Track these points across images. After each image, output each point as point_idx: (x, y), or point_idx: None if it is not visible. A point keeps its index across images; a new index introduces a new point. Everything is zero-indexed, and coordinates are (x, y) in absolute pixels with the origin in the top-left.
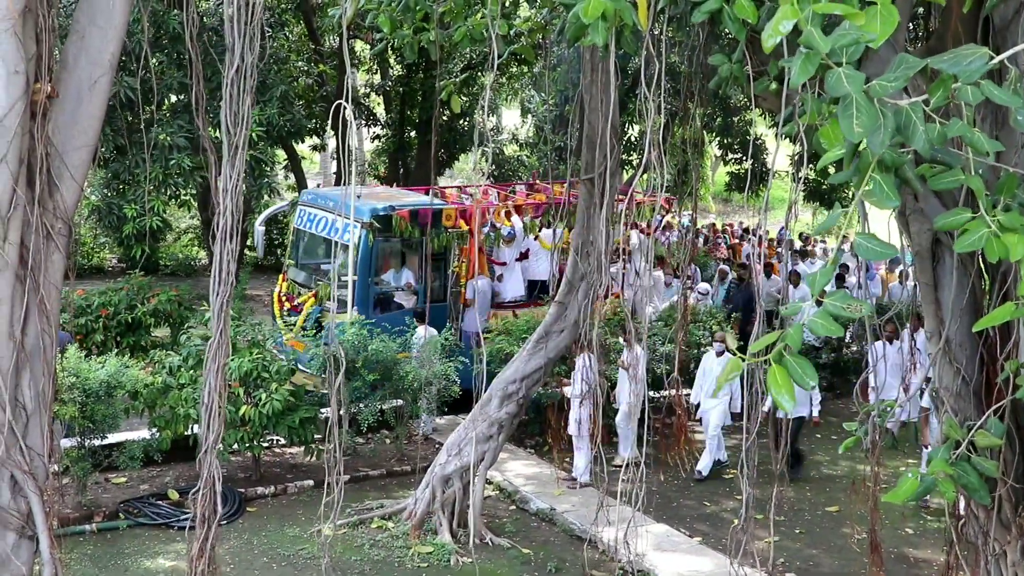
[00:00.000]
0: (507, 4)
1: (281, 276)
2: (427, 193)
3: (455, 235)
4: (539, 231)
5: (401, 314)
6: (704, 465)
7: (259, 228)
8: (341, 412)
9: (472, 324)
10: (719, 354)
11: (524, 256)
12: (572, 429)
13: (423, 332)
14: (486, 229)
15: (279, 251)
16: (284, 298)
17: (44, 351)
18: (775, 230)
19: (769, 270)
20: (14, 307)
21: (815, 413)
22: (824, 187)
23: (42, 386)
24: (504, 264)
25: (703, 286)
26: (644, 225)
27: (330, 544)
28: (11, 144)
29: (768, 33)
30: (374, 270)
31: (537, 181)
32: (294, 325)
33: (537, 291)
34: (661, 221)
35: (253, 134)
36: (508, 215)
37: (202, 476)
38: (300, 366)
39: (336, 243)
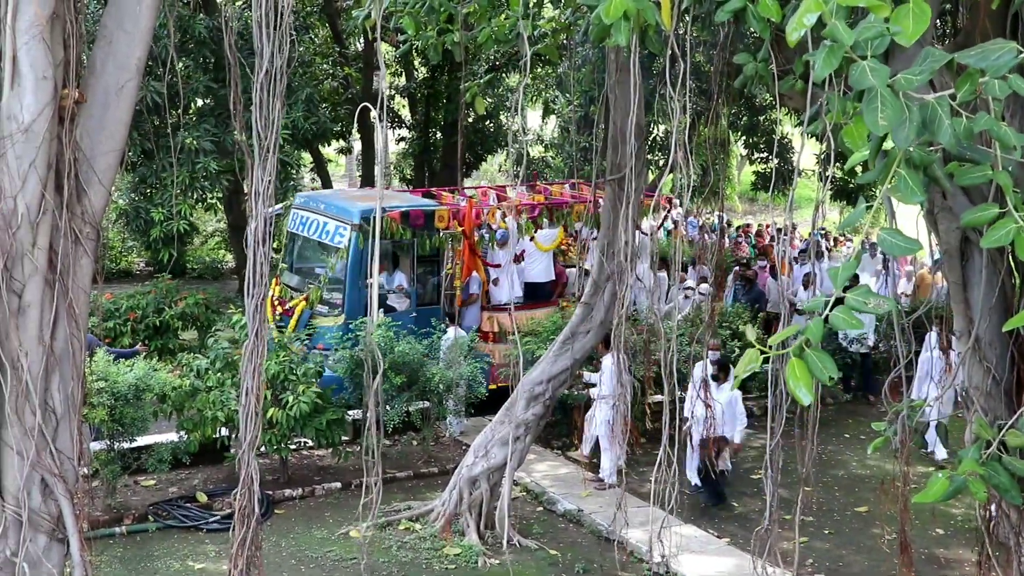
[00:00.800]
0: (531, 5)
1: (274, 280)
2: (435, 194)
3: (448, 236)
4: (534, 233)
5: (394, 317)
6: (695, 477)
7: None
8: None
9: (470, 324)
10: (720, 383)
11: (519, 258)
12: (601, 430)
13: (452, 334)
14: (482, 231)
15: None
16: (276, 302)
17: (73, 355)
18: (805, 229)
19: (775, 271)
20: (43, 311)
21: (737, 439)
22: (851, 186)
23: (71, 390)
24: (498, 266)
25: (704, 287)
26: (643, 225)
27: (357, 546)
28: (40, 149)
29: (792, 26)
30: (365, 273)
31: (537, 182)
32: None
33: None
34: (670, 220)
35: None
36: (503, 216)
37: (241, 476)
38: None
39: (327, 246)
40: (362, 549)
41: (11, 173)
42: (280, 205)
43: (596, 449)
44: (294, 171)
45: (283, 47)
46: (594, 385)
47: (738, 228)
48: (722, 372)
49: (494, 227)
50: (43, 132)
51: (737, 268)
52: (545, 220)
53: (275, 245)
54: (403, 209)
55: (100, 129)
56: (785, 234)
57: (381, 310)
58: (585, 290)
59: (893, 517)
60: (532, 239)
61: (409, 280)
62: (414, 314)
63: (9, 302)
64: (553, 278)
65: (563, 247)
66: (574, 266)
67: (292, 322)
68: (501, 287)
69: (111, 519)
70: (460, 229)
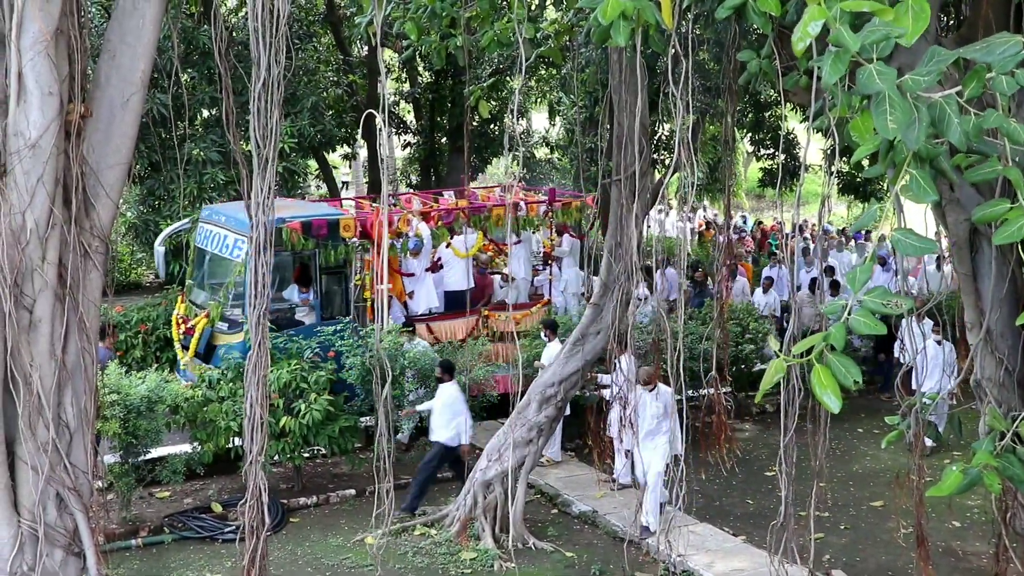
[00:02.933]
0: (533, 7)
1: (180, 297)
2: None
3: (355, 246)
4: (450, 239)
5: (300, 331)
6: (652, 520)
7: (159, 248)
8: (382, 421)
9: None
10: (649, 389)
11: (437, 267)
12: (614, 431)
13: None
14: (402, 239)
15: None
16: (181, 320)
17: (85, 369)
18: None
19: (735, 270)
20: (54, 326)
21: (464, 440)
22: (858, 180)
23: (84, 403)
24: (412, 275)
25: (640, 289)
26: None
27: (374, 552)
28: (47, 165)
29: (798, 36)
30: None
31: (468, 186)
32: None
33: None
34: (702, 221)
35: (285, 145)
36: (415, 223)
37: (248, 487)
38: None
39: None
40: (376, 558)
41: (19, 189)
42: (187, 219)
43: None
44: (300, 179)
45: (280, 56)
46: (607, 386)
47: (756, 224)
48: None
49: (409, 234)
50: (50, 147)
51: (697, 272)
52: (464, 226)
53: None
54: (304, 219)
55: (107, 143)
56: (797, 231)
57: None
58: (595, 290)
59: (909, 511)
60: (448, 245)
61: (312, 293)
62: (318, 328)
63: (20, 318)
64: (472, 286)
65: (490, 254)
66: (504, 278)
67: (193, 341)
68: (416, 298)
69: (127, 532)
70: (363, 240)
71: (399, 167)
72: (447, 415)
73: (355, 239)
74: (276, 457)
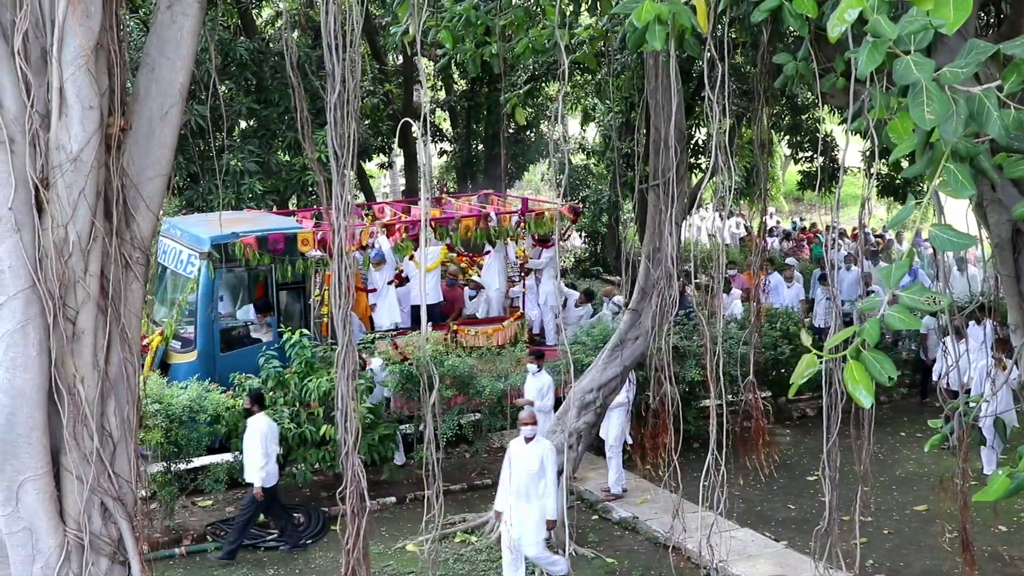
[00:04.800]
0: (568, 14)
1: None
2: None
3: (312, 261)
4: (413, 252)
5: (256, 349)
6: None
7: None
8: (423, 428)
9: None
10: (527, 439)
11: (402, 281)
12: (611, 439)
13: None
14: (359, 253)
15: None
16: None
17: (128, 379)
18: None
19: (728, 284)
20: (97, 337)
21: (257, 485)
22: (898, 182)
23: (127, 413)
24: (374, 291)
25: (619, 298)
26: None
27: (414, 559)
28: (88, 178)
29: (833, 22)
30: (216, 304)
31: (444, 195)
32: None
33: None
34: (743, 227)
35: (321, 156)
36: (373, 234)
37: (346, 476)
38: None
39: (180, 276)
40: (427, 563)
41: (61, 202)
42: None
43: None
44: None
45: (355, 70)
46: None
47: (802, 229)
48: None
49: (375, 246)
50: (91, 161)
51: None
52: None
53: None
54: (259, 233)
55: (146, 155)
56: (839, 234)
57: (226, 345)
58: (632, 296)
59: (953, 515)
60: (411, 258)
61: (265, 309)
62: (276, 346)
63: (64, 329)
64: (441, 299)
65: (463, 264)
66: (473, 286)
67: (148, 359)
68: (379, 313)
69: (170, 540)
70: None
71: (436, 175)
72: (259, 451)
73: (314, 253)
74: (317, 465)
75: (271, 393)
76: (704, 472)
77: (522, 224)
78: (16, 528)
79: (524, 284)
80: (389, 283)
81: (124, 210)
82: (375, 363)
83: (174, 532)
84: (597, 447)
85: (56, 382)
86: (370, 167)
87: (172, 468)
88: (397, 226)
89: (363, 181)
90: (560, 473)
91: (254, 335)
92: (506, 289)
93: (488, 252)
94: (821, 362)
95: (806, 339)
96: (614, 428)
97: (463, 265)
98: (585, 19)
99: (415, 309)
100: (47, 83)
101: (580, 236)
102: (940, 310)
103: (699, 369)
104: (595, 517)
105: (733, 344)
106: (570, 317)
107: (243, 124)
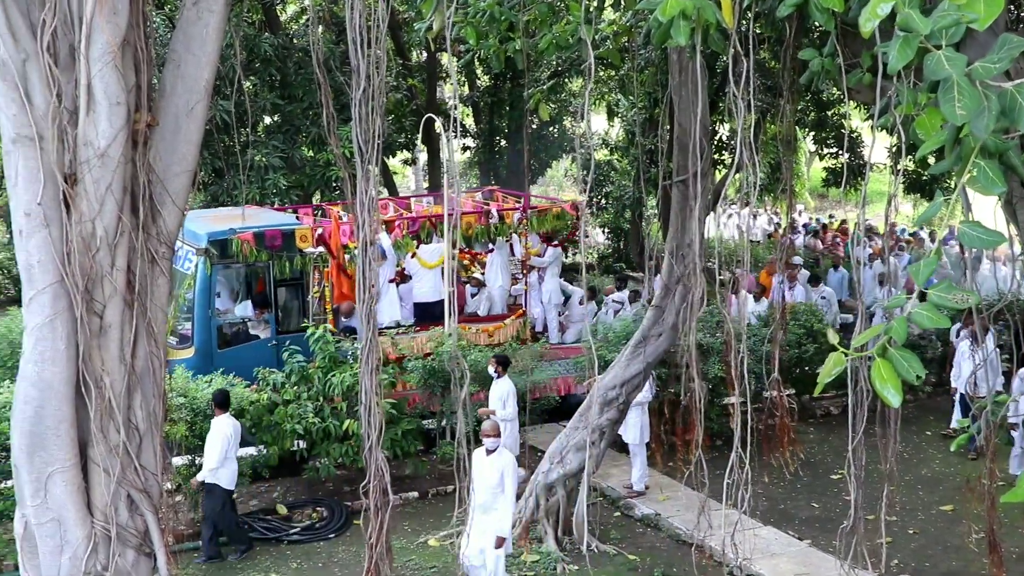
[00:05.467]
0: (592, 9)
1: None
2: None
3: (310, 257)
4: (415, 249)
5: (254, 345)
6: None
7: None
8: (444, 424)
9: None
10: (489, 452)
11: (404, 278)
12: (631, 436)
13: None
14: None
15: None
16: None
17: (153, 373)
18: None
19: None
20: (123, 331)
21: (200, 478)
22: (924, 178)
23: (153, 407)
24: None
25: (618, 295)
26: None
27: (437, 554)
28: (115, 173)
29: (865, 17)
30: (214, 301)
31: (489, 189)
32: None
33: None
34: (772, 223)
35: (345, 151)
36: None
37: (370, 470)
38: None
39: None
40: (459, 559)
41: (89, 197)
42: None
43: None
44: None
45: (381, 66)
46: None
47: (834, 226)
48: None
49: (375, 241)
50: (118, 156)
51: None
52: (432, 234)
53: None
54: (256, 230)
55: (172, 150)
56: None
57: (224, 342)
58: (656, 293)
59: (980, 516)
60: (414, 255)
61: (263, 305)
62: (274, 342)
63: (91, 323)
64: (443, 297)
65: (465, 262)
66: (474, 283)
67: None
68: (379, 311)
69: (194, 533)
70: (322, 248)
71: (459, 171)
72: (221, 451)
73: (313, 249)
74: (340, 460)
75: (295, 388)
76: (728, 470)
77: (524, 221)
78: (45, 519)
79: (526, 282)
80: (390, 281)
81: (150, 205)
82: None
83: (198, 525)
84: (619, 444)
85: (83, 375)
86: (394, 163)
87: (197, 461)
88: (398, 223)
89: (387, 177)
90: (582, 472)
91: (252, 331)
92: (509, 287)
93: (491, 250)
94: (848, 360)
95: (833, 337)
96: (634, 426)
97: (465, 262)
98: (609, 15)
99: (417, 307)
100: (75, 80)
101: (603, 232)
102: (969, 308)
103: (722, 366)
104: (617, 514)
105: (756, 342)
106: (574, 315)
107: (267, 120)
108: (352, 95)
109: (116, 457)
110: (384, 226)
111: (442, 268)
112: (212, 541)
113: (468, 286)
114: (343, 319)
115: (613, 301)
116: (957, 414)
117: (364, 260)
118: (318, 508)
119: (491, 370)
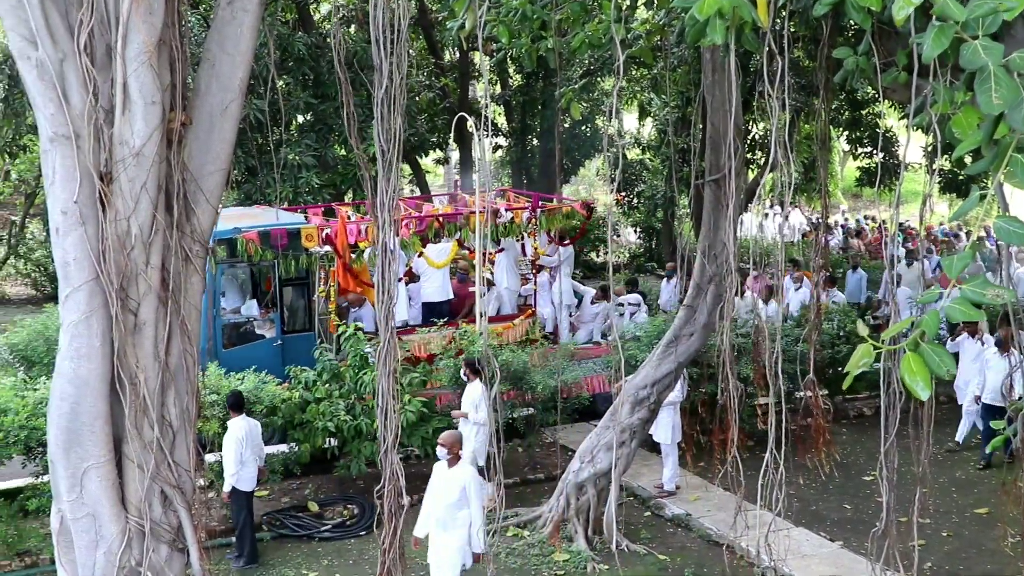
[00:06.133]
0: (624, 8)
1: None
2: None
3: (317, 256)
4: (423, 248)
5: (259, 345)
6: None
7: None
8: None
9: None
10: (450, 463)
11: (412, 278)
12: (663, 436)
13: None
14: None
15: None
16: None
17: (187, 370)
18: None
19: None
20: (158, 329)
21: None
22: (960, 177)
23: (186, 404)
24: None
25: (633, 297)
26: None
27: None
28: (150, 172)
29: (899, 5)
30: (219, 300)
31: (459, 192)
32: None
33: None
34: (806, 224)
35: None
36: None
37: (385, 473)
38: None
39: None
40: (488, 556)
41: (124, 196)
42: None
43: None
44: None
45: (401, 64)
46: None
47: (873, 227)
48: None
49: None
50: (153, 155)
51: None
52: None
53: None
54: (261, 229)
55: (206, 149)
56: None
57: (231, 342)
58: (688, 293)
59: (1016, 519)
60: (421, 255)
61: (269, 305)
62: (279, 342)
63: (125, 320)
64: (451, 296)
65: (474, 261)
66: (485, 282)
67: None
68: None
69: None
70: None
71: (491, 170)
72: (236, 455)
73: (319, 248)
74: (371, 458)
75: (326, 386)
76: (763, 470)
77: (533, 221)
78: (80, 514)
79: (536, 281)
80: (398, 280)
81: (184, 204)
82: None
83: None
84: (650, 443)
85: (118, 372)
86: (426, 162)
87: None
88: (405, 222)
89: (419, 176)
90: (613, 472)
91: (257, 331)
92: (519, 287)
93: (501, 250)
94: (877, 353)
95: (863, 329)
96: (666, 426)
97: (474, 261)
98: (642, 13)
99: (426, 306)
100: (111, 79)
101: (635, 232)
102: (1005, 304)
103: (754, 366)
104: (647, 513)
105: (789, 342)
106: (585, 315)
107: (300, 118)
108: (375, 94)
109: (150, 453)
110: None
111: (450, 267)
112: (245, 545)
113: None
114: (352, 310)
115: (629, 304)
116: (964, 427)
117: (384, 260)
118: (349, 506)
119: (462, 374)
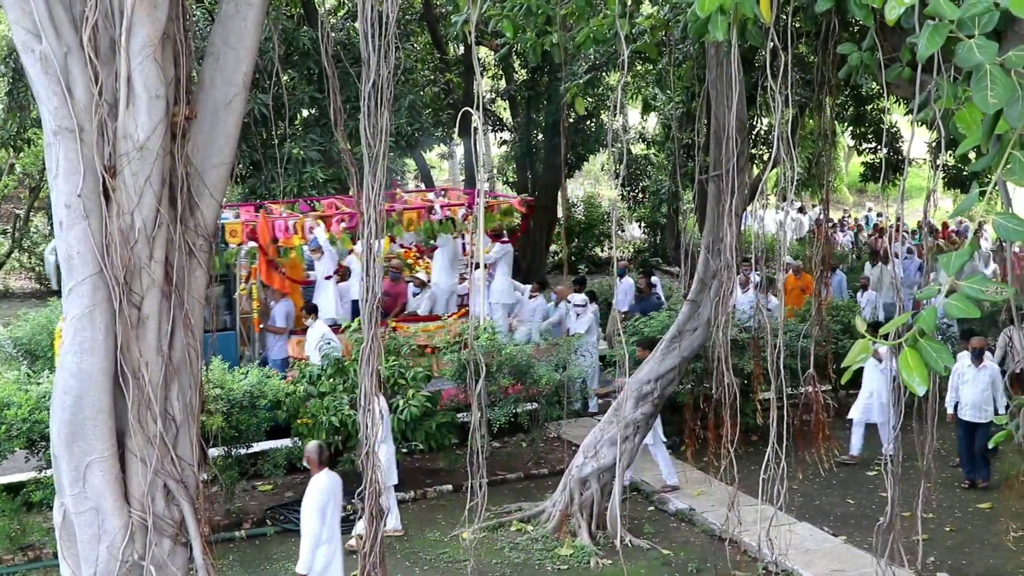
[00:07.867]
0: (629, 3)
1: None
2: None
3: (235, 252)
4: (353, 245)
5: None
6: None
7: (49, 257)
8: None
9: (279, 351)
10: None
11: (343, 275)
12: (649, 438)
13: (319, 328)
14: (306, 247)
15: None
16: (60, 332)
17: (190, 364)
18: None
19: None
20: (161, 322)
21: None
22: (965, 173)
23: (190, 398)
24: (311, 283)
25: (580, 297)
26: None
27: (468, 548)
28: (154, 166)
29: (891, 4)
30: None
31: (396, 190)
32: None
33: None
34: (810, 220)
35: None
36: (310, 229)
37: (367, 476)
38: None
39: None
40: (469, 552)
41: (128, 190)
42: None
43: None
44: (398, 177)
45: (389, 58)
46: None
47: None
48: None
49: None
50: (156, 149)
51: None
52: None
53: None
54: None
55: (210, 143)
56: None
57: None
58: (691, 288)
59: (1019, 514)
60: (352, 252)
61: None
62: None
63: (129, 314)
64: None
65: (410, 260)
66: (416, 283)
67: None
68: (317, 305)
69: (230, 523)
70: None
71: (495, 165)
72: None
73: (242, 245)
74: None
75: (330, 380)
76: (764, 465)
77: (469, 217)
78: (83, 508)
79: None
80: (327, 277)
81: (188, 198)
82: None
83: (234, 515)
84: None
85: (121, 366)
86: (431, 157)
87: (233, 452)
88: (334, 217)
89: (423, 171)
90: (617, 467)
91: None
92: (455, 286)
93: (435, 248)
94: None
95: (860, 325)
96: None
97: (410, 261)
98: (646, 8)
99: (355, 304)
100: (115, 73)
101: (639, 227)
102: (1004, 300)
103: (755, 361)
104: (651, 508)
105: (792, 337)
106: (524, 312)
107: (305, 112)
108: (362, 88)
109: (153, 447)
110: (320, 221)
111: (383, 267)
112: None
113: (411, 285)
114: (271, 303)
115: (575, 304)
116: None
117: (368, 257)
118: (353, 500)
119: (306, 321)
